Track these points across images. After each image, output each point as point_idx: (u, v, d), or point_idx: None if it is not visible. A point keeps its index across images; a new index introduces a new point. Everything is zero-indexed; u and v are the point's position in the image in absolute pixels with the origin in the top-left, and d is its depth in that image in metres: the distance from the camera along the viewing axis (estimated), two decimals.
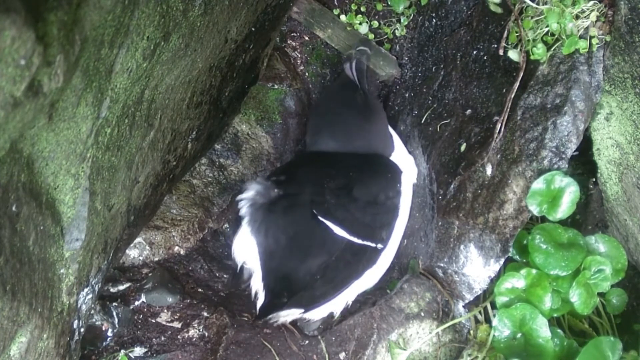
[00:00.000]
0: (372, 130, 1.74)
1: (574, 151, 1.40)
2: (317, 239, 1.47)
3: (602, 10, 1.39)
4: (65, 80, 0.86)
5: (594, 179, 1.63)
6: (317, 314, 1.57)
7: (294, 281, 1.44)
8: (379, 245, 1.55)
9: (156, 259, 1.86)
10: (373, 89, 1.88)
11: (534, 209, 1.37)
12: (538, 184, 1.37)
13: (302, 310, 1.47)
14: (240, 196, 1.54)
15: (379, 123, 1.76)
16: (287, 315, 1.52)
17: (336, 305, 1.57)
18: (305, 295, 1.44)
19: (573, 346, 1.37)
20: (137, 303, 1.71)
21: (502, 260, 1.42)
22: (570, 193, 1.36)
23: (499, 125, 1.48)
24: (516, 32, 1.53)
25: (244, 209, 1.51)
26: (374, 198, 1.55)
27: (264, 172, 2.07)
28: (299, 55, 2.23)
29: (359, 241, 1.49)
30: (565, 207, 1.37)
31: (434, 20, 1.99)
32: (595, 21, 1.39)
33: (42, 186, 1.08)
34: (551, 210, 1.37)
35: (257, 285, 1.51)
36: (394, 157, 1.75)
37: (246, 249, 1.52)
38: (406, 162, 1.78)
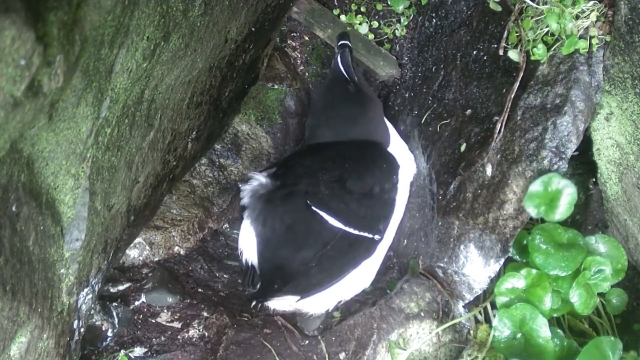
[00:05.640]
0: (367, 119, 1.77)
1: (574, 151, 1.40)
2: (313, 229, 1.49)
3: (602, 10, 1.39)
4: (65, 80, 0.86)
5: (594, 179, 1.63)
6: (313, 305, 1.57)
7: (288, 269, 1.45)
8: (376, 237, 1.57)
9: (156, 259, 1.86)
10: (362, 78, 1.89)
11: (532, 211, 1.37)
12: (535, 187, 1.36)
13: (298, 298, 1.49)
14: (243, 187, 1.57)
15: (373, 111, 1.79)
16: (282, 301, 1.53)
17: (330, 298, 1.58)
18: (302, 282, 1.46)
19: (573, 346, 1.37)
20: (137, 303, 1.71)
21: (502, 261, 1.42)
22: (567, 195, 1.36)
23: (499, 125, 1.48)
24: (516, 32, 1.53)
25: (246, 199, 1.55)
26: (369, 190, 1.58)
27: None
28: (299, 55, 2.23)
29: (355, 232, 1.52)
30: (563, 209, 1.36)
31: (434, 20, 1.99)
32: (595, 21, 1.39)
33: (42, 186, 1.08)
34: (549, 212, 1.37)
35: (254, 273, 1.52)
36: (392, 149, 1.76)
37: (247, 239, 1.54)
38: (404, 153, 1.79)
